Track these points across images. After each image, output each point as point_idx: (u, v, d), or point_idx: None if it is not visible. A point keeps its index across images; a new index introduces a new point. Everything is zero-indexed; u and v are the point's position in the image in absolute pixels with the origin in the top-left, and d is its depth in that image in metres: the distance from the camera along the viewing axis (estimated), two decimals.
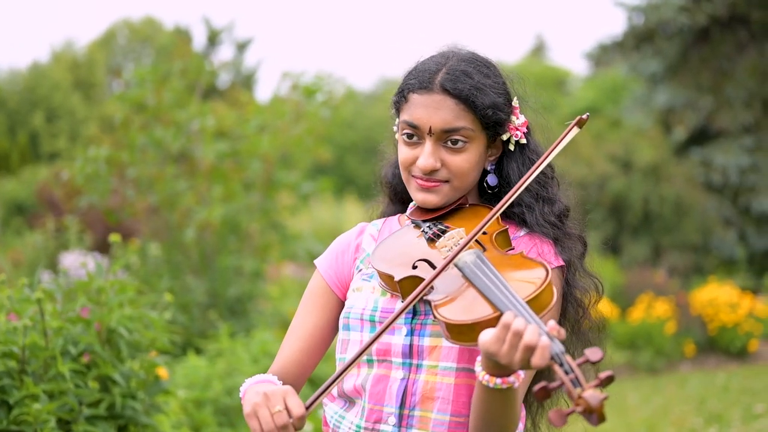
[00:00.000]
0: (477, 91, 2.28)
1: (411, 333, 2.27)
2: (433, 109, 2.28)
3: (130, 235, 8.20)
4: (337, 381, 2.13)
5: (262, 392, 2.07)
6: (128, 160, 7.22)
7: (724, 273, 15.49)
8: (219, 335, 5.64)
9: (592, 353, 1.89)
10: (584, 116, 2.23)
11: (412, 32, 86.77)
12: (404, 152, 2.35)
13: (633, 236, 14.49)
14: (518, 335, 1.92)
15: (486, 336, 1.96)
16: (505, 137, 2.38)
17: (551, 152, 2.22)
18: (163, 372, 3.79)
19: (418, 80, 2.32)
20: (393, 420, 2.26)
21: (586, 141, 16.91)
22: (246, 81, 30.07)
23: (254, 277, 7.33)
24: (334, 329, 2.46)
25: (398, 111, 2.38)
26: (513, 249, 2.32)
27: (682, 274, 14.21)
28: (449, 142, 2.30)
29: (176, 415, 4.33)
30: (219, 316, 6.43)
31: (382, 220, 2.55)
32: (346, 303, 2.40)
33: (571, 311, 2.37)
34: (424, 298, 2.17)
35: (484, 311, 2.05)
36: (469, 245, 2.22)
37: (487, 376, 2.03)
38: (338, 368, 2.23)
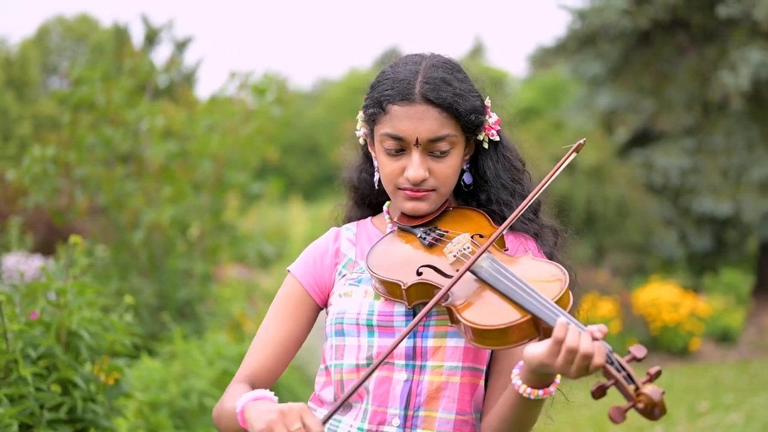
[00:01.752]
0: (459, 98, 2.30)
1: (414, 335, 2.28)
2: (417, 120, 2.28)
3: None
4: (354, 392, 2.13)
5: (277, 409, 2.04)
6: (76, 160, 7.13)
7: (665, 273, 15.68)
8: (172, 337, 5.60)
9: (637, 350, 1.96)
10: (581, 141, 2.29)
11: (349, 32, 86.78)
12: (388, 164, 2.34)
13: (576, 237, 14.61)
14: (573, 351, 1.95)
15: (537, 350, 2.00)
16: (481, 137, 2.41)
17: (552, 175, 2.26)
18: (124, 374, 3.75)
19: (397, 90, 2.31)
20: (397, 421, 2.28)
21: (529, 142, 17.04)
22: (186, 80, 29.89)
23: (204, 279, 7.28)
24: (306, 335, 2.47)
25: (374, 122, 2.36)
26: (508, 249, 2.35)
27: (624, 274, 14.35)
28: (435, 151, 2.30)
29: (133, 418, 4.28)
30: (169, 318, 6.38)
31: (354, 224, 2.55)
32: (332, 309, 2.40)
33: None
34: (443, 304, 2.19)
35: (514, 315, 2.07)
36: (473, 247, 2.26)
37: (529, 389, 2.07)
38: (361, 375, 2.26)
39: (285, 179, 8.23)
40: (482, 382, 2.33)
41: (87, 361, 3.60)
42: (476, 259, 2.18)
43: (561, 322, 1.97)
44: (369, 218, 2.56)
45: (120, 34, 30.81)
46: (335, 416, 2.35)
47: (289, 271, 2.51)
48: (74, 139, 7.16)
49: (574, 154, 2.30)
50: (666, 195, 15.69)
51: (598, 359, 1.94)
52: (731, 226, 15.95)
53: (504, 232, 2.38)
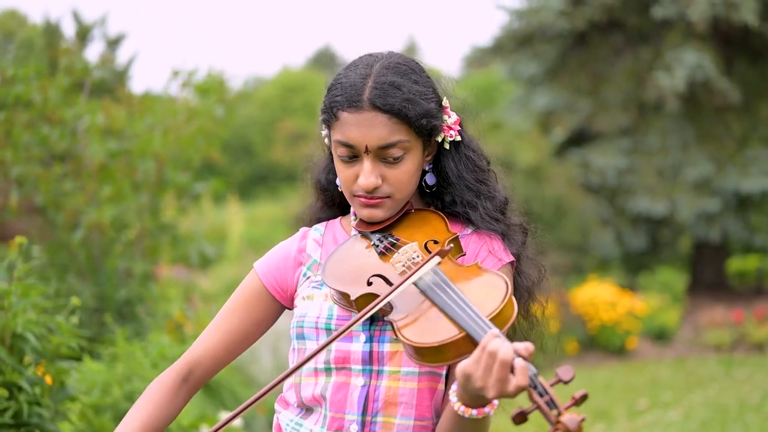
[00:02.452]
0: (408, 103, 2.23)
1: (370, 340, 2.24)
2: (366, 128, 2.22)
3: (12, 237, 7.92)
4: (258, 400, 2.12)
5: None
6: (12, 159, 6.98)
7: (601, 272, 15.83)
8: (113, 339, 5.51)
9: (564, 373, 1.88)
10: (447, 248, 2.20)
11: (281, 31, 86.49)
12: (343, 171, 2.30)
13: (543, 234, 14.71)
14: (493, 355, 1.91)
15: (464, 360, 1.95)
16: (439, 138, 2.34)
17: (405, 281, 2.15)
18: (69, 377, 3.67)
19: (345, 97, 2.24)
20: (356, 427, 2.24)
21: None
22: (119, 77, 29.53)
23: (144, 280, 7.17)
24: (260, 331, 2.43)
25: (328, 127, 2.32)
26: (464, 254, 2.30)
27: (561, 274, 14.45)
28: (388, 158, 2.25)
29: (78, 422, 4.20)
30: (111, 319, 6.27)
31: (324, 224, 2.50)
32: (296, 311, 2.36)
33: (522, 299, 2.37)
34: (385, 318, 2.15)
35: (450, 332, 2.02)
36: (422, 257, 2.21)
37: (462, 407, 2.01)
38: (319, 380, 2.25)
39: (220, 178, 8.12)
40: (442, 386, 2.27)
41: (32, 365, 3.52)
42: (417, 270, 2.13)
43: (490, 332, 1.94)
44: (338, 219, 2.51)
45: (51, 30, 30.38)
46: (295, 419, 2.32)
47: (253, 266, 2.46)
48: (10, 138, 7.01)
49: (437, 258, 2.19)
50: (602, 195, 15.84)
51: (520, 374, 1.89)
52: (666, 226, 16.16)
53: (467, 232, 2.35)
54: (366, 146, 2.23)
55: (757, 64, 15.85)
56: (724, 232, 15.49)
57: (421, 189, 2.42)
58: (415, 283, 2.14)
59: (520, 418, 1.88)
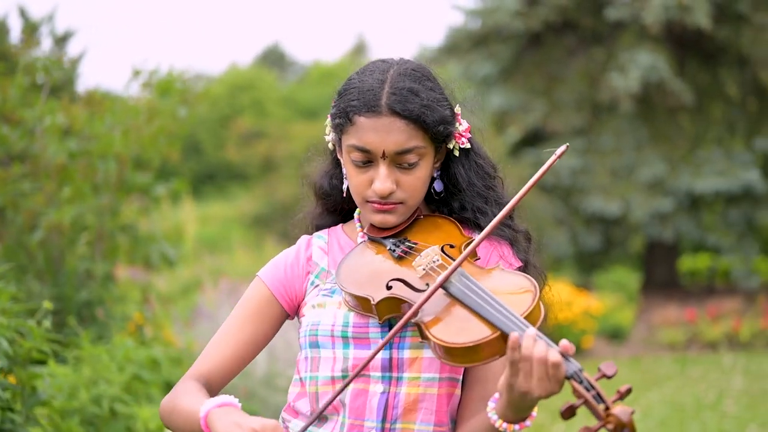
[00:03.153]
0: (426, 110, 2.23)
1: (390, 347, 2.24)
2: (384, 133, 2.22)
3: None
4: (328, 405, 2.13)
5: (252, 423, 2.02)
6: None
7: (555, 271, 15.92)
8: (77, 342, 5.44)
9: (607, 367, 1.92)
10: (565, 147, 2.25)
11: (228, 28, 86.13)
12: (356, 176, 2.28)
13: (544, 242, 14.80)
14: (528, 358, 1.93)
15: (503, 376, 1.98)
16: (451, 145, 2.34)
17: (533, 184, 2.22)
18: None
19: (363, 101, 2.23)
20: None
21: None
22: (67, 74, 29.16)
23: (104, 282, 7.10)
24: (266, 341, 2.41)
25: (341, 131, 2.30)
26: (479, 258, 2.30)
27: None
28: (403, 163, 2.25)
29: (47, 426, 4.14)
30: (74, 322, 6.19)
31: (326, 231, 2.48)
32: (305, 320, 2.34)
33: None
34: (413, 320, 2.14)
35: (483, 332, 2.03)
36: (442, 260, 2.21)
37: (504, 424, 2.03)
38: (336, 389, 2.22)
39: (180, 179, 8.06)
40: (458, 391, 2.28)
41: (3, 369, 3.47)
42: (447, 276, 2.12)
43: (526, 333, 1.95)
44: (340, 225, 2.49)
45: None
46: (311, 430, 2.29)
47: (258, 276, 2.43)
48: None
49: (555, 161, 2.25)
50: (557, 194, 15.93)
51: (556, 360, 1.92)
52: (619, 225, 16.28)
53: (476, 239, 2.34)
54: (383, 151, 2.22)
55: (709, 66, 16.03)
56: (677, 232, 15.64)
57: (428, 195, 2.41)
58: (442, 286, 2.13)
59: (569, 412, 1.90)
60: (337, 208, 2.50)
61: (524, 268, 2.34)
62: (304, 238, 2.47)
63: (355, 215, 2.45)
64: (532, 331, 1.96)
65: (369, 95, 2.24)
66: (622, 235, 16.97)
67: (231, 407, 2.12)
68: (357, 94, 2.25)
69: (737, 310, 13.89)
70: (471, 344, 2.02)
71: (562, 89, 15.89)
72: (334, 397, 2.12)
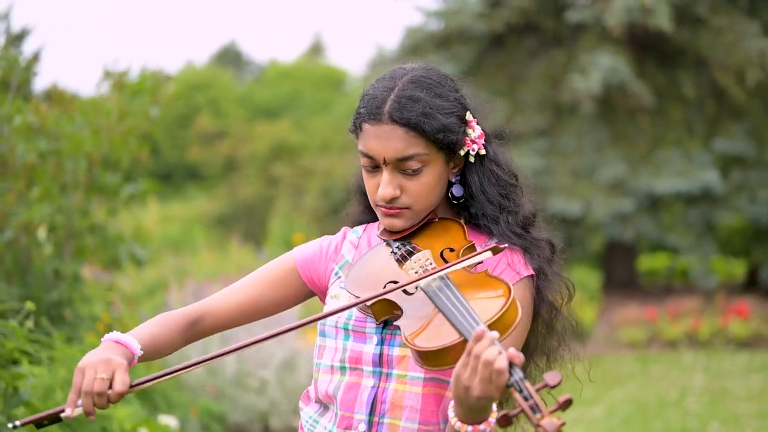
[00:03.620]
0: (425, 117, 2.27)
1: (381, 342, 2.30)
2: (384, 140, 2.27)
3: None
4: (169, 376, 2.19)
5: (101, 357, 2.12)
6: None
7: None
8: (50, 342, 5.43)
9: (551, 378, 1.92)
10: (502, 246, 2.25)
11: (185, 26, 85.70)
12: (367, 181, 2.37)
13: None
14: (477, 357, 1.96)
15: (457, 364, 2.02)
16: (462, 152, 2.38)
17: (457, 263, 2.24)
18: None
19: (368, 110, 2.31)
20: (363, 427, 2.30)
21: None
22: (24, 73, 28.80)
23: (73, 282, 7.08)
24: (276, 310, 2.49)
25: (355, 137, 2.38)
26: (482, 263, 2.32)
27: None
28: (407, 170, 2.30)
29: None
30: (46, 322, 6.18)
31: (363, 227, 2.56)
32: (324, 309, 2.42)
33: (544, 314, 2.41)
34: (394, 323, 2.22)
35: (450, 337, 2.08)
36: (436, 263, 2.27)
37: (459, 423, 2.06)
38: (334, 377, 2.34)
39: (150, 180, 8.06)
40: (449, 393, 2.29)
41: None
42: (417, 280, 2.19)
43: (476, 334, 1.99)
44: (377, 223, 2.54)
45: None
46: (313, 416, 2.40)
47: (292, 251, 2.54)
48: None
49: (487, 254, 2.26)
50: None
51: (500, 367, 1.93)
52: (580, 225, 16.40)
53: (489, 245, 2.35)
54: (384, 158, 2.29)
55: (668, 68, 16.19)
56: (637, 232, 15.79)
57: (450, 199, 2.45)
58: (423, 290, 2.19)
59: (505, 420, 1.93)
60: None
61: (538, 277, 2.38)
62: (343, 230, 2.56)
63: None
64: (491, 334, 1.99)
65: (374, 103, 2.31)
66: (583, 235, 17.10)
67: (119, 345, 2.23)
68: (366, 102, 2.34)
69: (696, 309, 14.07)
70: (436, 348, 2.07)
71: (524, 90, 16.00)
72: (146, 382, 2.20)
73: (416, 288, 2.23)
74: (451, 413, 2.08)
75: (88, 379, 2.09)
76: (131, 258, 7.27)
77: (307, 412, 2.43)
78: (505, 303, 2.09)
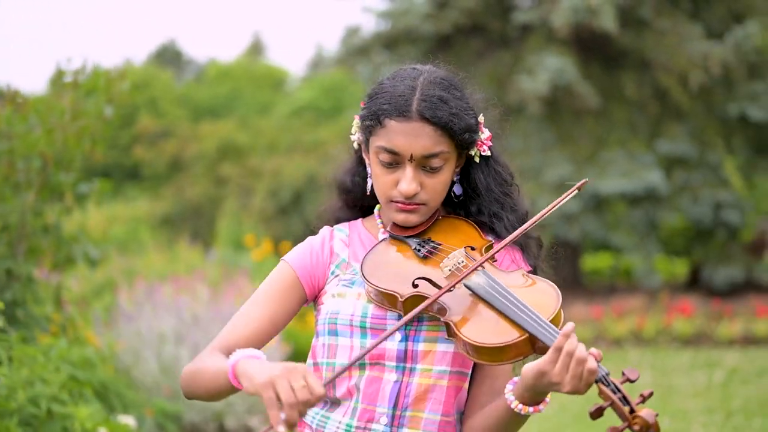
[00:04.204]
0: (454, 117, 2.36)
1: (405, 339, 2.37)
2: (413, 137, 2.34)
3: None
4: (349, 366, 2.26)
5: (282, 366, 2.09)
6: None
7: None
8: (9, 341, 5.40)
9: (631, 373, 2.09)
10: (586, 180, 2.46)
11: (123, 23, 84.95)
12: (382, 176, 2.41)
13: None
14: (570, 354, 2.07)
15: (536, 362, 2.12)
16: (473, 152, 2.48)
17: (556, 205, 2.40)
18: None
19: (394, 106, 2.36)
20: (385, 420, 2.37)
21: (336, 143, 17.17)
22: None
23: (27, 282, 7.03)
24: (287, 322, 2.52)
25: (370, 133, 2.41)
26: (497, 261, 2.41)
27: None
28: (428, 167, 2.36)
29: None
30: (2, 322, 6.13)
31: (346, 225, 2.59)
32: (324, 307, 2.46)
33: None
34: (442, 319, 2.26)
35: (512, 333, 2.16)
36: (467, 262, 2.34)
37: (520, 405, 2.18)
38: (353, 374, 2.39)
39: (104, 179, 8.02)
40: (466, 385, 2.42)
41: None
42: (469, 273, 2.25)
43: (566, 331, 2.10)
44: (360, 220, 2.61)
45: None
46: (320, 413, 2.43)
47: (283, 260, 2.55)
48: None
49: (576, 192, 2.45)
50: None
51: (593, 367, 2.07)
52: None
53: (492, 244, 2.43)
54: (411, 154, 2.35)
55: (613, 70, 16.38)
56: (582, 232, 15.95)
57: (447, 198, 2.53)
58: (468, 286, 2.26)
59: (598, 413, 2.06)
60: (357, 203, 2.62)
61: (533, 273, 2.45)
62: (326, 229, 2.59)
63: (376, 211, 2.58)
64: (567, 331, 2.10)
65: (400, 100, 2.36)
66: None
67: (259, 359, 2.23)
68: (389, 98, 2.38)
69: (641, 308, 14.28)
70: (500, 345, 2.15)
71: (471, 91, 16.09)
72: (336, 376, 2.23)
73: (458, 285, 2.28)
74: (510, 397, 2.19)
75: (286, 391, 2.06)
76: (85, 258, 7.23)
77: (312, 410, 2.45)
78: (559, 302, 2.20)
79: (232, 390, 2.26)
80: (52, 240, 7.22)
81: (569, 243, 16.64)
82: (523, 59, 15.68)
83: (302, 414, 2.08)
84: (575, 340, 2.09)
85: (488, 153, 2.52)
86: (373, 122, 2.40)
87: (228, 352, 2.37)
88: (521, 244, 2.50)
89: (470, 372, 2.42)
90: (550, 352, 2.10)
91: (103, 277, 11.00)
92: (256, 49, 49.49)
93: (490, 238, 2.47)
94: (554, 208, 2.37)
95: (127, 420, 5.71)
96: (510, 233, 2.45)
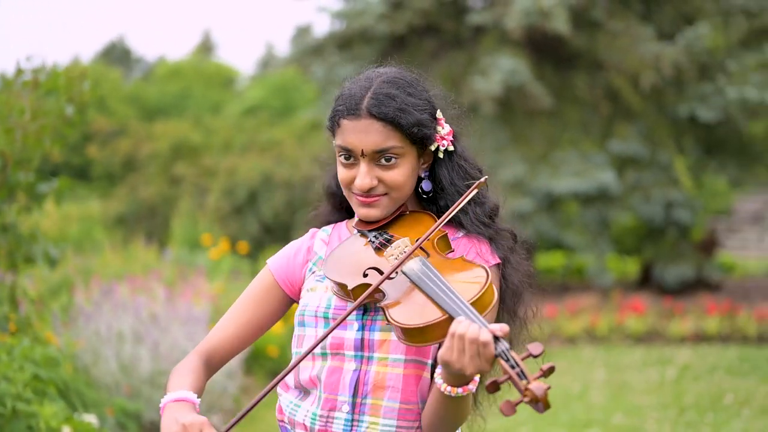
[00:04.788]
0: (401, 112, 2.46)
1: (362, 328, 2.47)
2: (363, 134, 2.46)
3: None
4: (279, 380, 2.35)
5: (181, 423, 2.26)
6: None
7: None
8: None
9: (534, 348, 2.14)
10: (483, 179, 2.53)
11: (71, 20, 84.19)
12: (342, 173, 2.53)
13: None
14: (462, 337, 2.14)
15: (442, 348, 2.19)
16: (433, 147, 2.56)
17: (455, 209, 2.48)
18: None
19: (346, 106, 2.49)
20: (347, 407, 2.46)
21: (291, 142, 17.20)
22: None
23: None
24: (271, 322, 2.65)
25: (332, 134, 2.55)
26: (453, 251, 2.50)
27: None
28: (382, 160, 2.47)
29: None
30: None
31: (332, 226, 2.72)
32: (300, 302, 2.58)
33: (508, 301, 2.57)
34: (378, 304, 2.38)
35: (434, 314, 2.26)
36: (414, 253, 2.42)
37: (449, 387, 2.26)
38: (292, 361, 2.43)
39: (63, 178, 7.98)
40: (427, 374, 2.49)
41: None
42: (400, 265, 2.37)
43: (457, 318, 2.18)
44: (345, 221, 2.74)
45: None
46: (294, 401, 2.55)
47: (266, 264, 2.67)
48: None
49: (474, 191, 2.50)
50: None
51: (486, 339, 2.12)
52: None
53: (458, 236, 2.52)
54: (362, 150, 2.46)
55: (566, 71, 16.53)
56: (536, 231, 16.08)
57: (419, 194, 2.64)
58: (405, 273, 2.36)
59: (493, 387, 2.12)
60: (343, 205, 2.73)
61: (503, 266, 2.53)
62: (311, 231, 2.72)
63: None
64: (470, 314, 2.18)
65: (352, 101, 2.49)
66: None
67: (184, 403, 2.38)
68: (343, 100, 2.52)
69: (594, 306, 14.43)
70: (421, 325, 2.25)
71: None
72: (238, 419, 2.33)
73: (397, 272, 2.38)
74: (439, 380, 2.27)
75: None
76: (45, 257, 7.21)
77: (287, 397, 2.57)
78: (484, 284, 2.29)
79: None
80: (11, 239, 7.20)
81: (522, 242, 16.77)
82: (477, 60, 15.78)
83: None
84: (466, 323, 2.16)
85: (452, 148, 2.61)
86: (331, 123, 2.56)
87: (207, 357, 2.56)
88: (490, 236, 2.58)
89: (431, 361, 2.49)
90: (446, 339, 2.19)
91: (59, 277, 10.94)
92: (206, 47, 49.30)
93: (448, 233, 2.57)
94: (462, 203, 2.48)
95: (90, 419, 5.71)
96: (475, 226, 2.59)
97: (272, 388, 2.34)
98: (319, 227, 2.76)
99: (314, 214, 2.83)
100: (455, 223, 2.61)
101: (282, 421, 2.59)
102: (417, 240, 2.47)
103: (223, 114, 28.95)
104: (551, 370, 2.11)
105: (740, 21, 16.06)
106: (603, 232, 16.30)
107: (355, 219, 2.65)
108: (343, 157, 2.51)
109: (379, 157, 2.47)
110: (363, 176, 2.48)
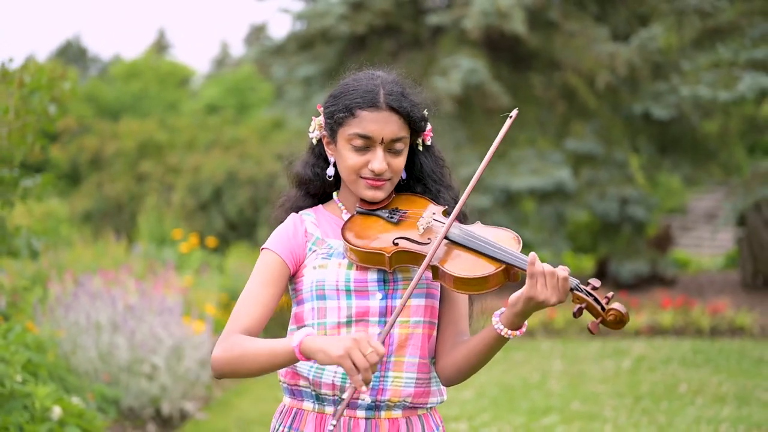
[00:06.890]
0: (414, 108, 2.84)
1: (386, 297, 2.81)
2: (383, 123, 2.79)
3: None
4: (393, 322, 2.63)
5: (351, 338, 2.50)
6: None
7: None
8: None
9: (595, 281, 2.62)
10: (513, 113, 2.90)
11: (31, 20, 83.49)
12: (353, 159, 2.83)
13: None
14: (544, 274, 2.57)
15: (519, 291, 2.62)
16: (419, 140, 2.96)
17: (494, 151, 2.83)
18: None
19: (365, 99, 2.80)
20: None
21: (253, 140, 17.45)
22: None
23: None
24: (280, 300, 2.89)
25: (340, 124, 2.83)
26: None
27: None
28: (395, 147, 2.82)
29: None
30: None
31: (311, 210, 2.99)
32: (307, 278, 2.86)
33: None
34: (431, 264, 2.72)
35: (490, 267, 2.65)
36: (442, 218, 2.83)
37: (509, 331, 2.67)
38: (342, 331, 2.80)
39: (47, 174, 8.18)
40: (435, 333, 2.89)
41: None
42: (450, 224, 2.71)
43: (531, 259, 2.60)
44: (320, 206, 3.02)
45: None
46: (316, 365, 2.82)
47: (266, 248, 2.91)
48: None
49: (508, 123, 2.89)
50: None
51: (564, 275, 2.57)
52: None
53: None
54: (382, 138, 2.80)
55: (523, 70, 16.89)
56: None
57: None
58: (447, 237, 2.74)
59: (579, 312, 2.60)
60: (318, 192, 3.04)
61: None
62: (294, 215, 2.98)
63: (335, 196, 3.00)
64: (532, 257, 2.60)
65: (370, 95, 2.81)
66: None
67: (315, 335, 2.61)
68: (359, 94, 2.82)
69: None
70: (483, 276, 2.63)
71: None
72: (388, 331, 2.61)
73: (429, 239, 2.76)
74: (499, 325, 2.67)
75: (360, 359, 2.45)
76: (29, 249, 7.42)
77: (306, 363, 2.82)
78: (519, 241, 2.72)
79: (286, 366, 2.66)
80: None
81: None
82: (436, 60, 16.11)
83: (374, 372, 2.49)
84: (541, 264, 2.57)
85: (429, 142, 3.00)
86: (345, 114, 2.83)
87: (249, 334, 2.77)
88: (459, 217, 2.94)
89: (437, 322, 2.89)
90: (528, 280, 2.59)
91: (32, 271, 11.14)
92: (161, 46, 49.18)
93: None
94: (497, 147, 2.84)
95: (76, 401, 5.98)
96: (451, 206, 2.95)
97: (393, 323, 2.59)
98: (292, 212, 3.01)
99: (284, 199, 3.08)
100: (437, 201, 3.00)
101: (295, 385, 2.85)
102: (446, 209, 2.86)
103: (180, 112, 29.07)
104: (613, 296, 2.60)
105: (694, 21, 16.44)
106: (559, 229, 16.66)
107: (336, 204, 2.97)
108: (358, 144, 2.79)
109: (392, 145, 2.79)
110: (380, 161, 2.77)
